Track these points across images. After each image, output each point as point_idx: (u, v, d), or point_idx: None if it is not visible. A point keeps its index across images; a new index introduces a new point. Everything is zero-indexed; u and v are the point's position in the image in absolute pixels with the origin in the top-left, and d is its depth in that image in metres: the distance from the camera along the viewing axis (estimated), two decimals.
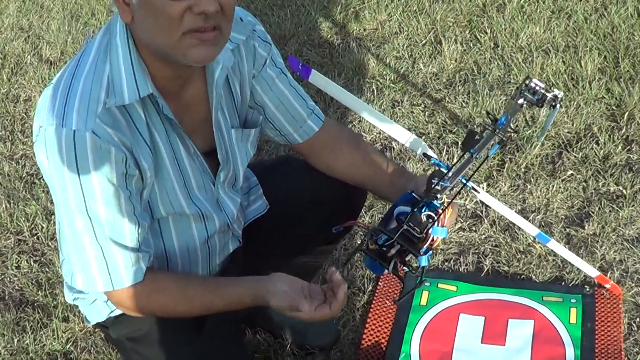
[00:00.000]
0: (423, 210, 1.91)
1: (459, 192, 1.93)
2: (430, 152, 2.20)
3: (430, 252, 1.94)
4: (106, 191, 1.83)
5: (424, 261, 1.92)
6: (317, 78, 2.18)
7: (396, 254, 1.91)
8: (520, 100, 1.80)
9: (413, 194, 1.96)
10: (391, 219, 1.97)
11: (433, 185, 1.91)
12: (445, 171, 1.93)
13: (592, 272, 2.69)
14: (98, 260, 1.91)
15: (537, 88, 1.78)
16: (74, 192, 1.83)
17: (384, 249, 1.91)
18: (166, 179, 1.98)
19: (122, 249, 1.91)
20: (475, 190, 2.25)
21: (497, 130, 1.82)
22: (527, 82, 1.79)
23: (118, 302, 2.02)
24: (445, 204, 1.92)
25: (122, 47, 1.82)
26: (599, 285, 2.73)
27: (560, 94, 1.79)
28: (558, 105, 1.79)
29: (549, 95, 1.78)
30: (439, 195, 1.91)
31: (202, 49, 1.78)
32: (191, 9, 1.73)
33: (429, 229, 1.89)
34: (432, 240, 1.91)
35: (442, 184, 1.91)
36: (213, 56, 1.83)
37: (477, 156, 1.87)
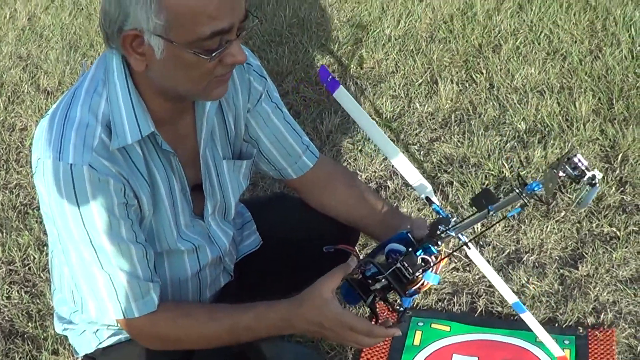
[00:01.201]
0: (419, 252, 1.90)
1: (460, 248, 1.93)
2: (434, 198, 2.20)
3: (416, 295, 1.93)
4: (108, 222, 1.84)
5: (408, 302, 1.93)
6: (341, 95, 2.19)
7: (381, 291, 1.90)
8: (561, 173, 1.81)
9: (408, 234, 1.95)
10: (380, 253, 1.95)
11: (439, 232, 1.90)
12: (449, 219, 1.92)
13: (558, 352, 2.63)
14: (107, 287, 1.91)
15: (579, 164, 1.79)
16: (76, 225, 1.84)
17: (369, 281, 1.90)
18: (163, 215, 1.99)
19: (132, 277, 1.91)
20: (467, 246, 2.24)
21: (524, 195, 1.82)
22: (570, 155, 1.80)
23: (139, 333, 2.01)
24: (444, 253, 1.91)
25: (120, 85, 1.83)
26: (592, 327, 2.73)
27: (599, 175, 1.80)
28: (597, 185, 1.82)
29: (588, 174, 1.80)
30: (440, 242, 1.90)
31: (223, 87, 1.86)
32: (222, 61, 1.78)
33: (422, 272, 1.88)
34: (422, 284, 1.90)
35: (448, 232, 1.90)
36: (226, 91, 1.90)
37: (494, 214, 1.86)
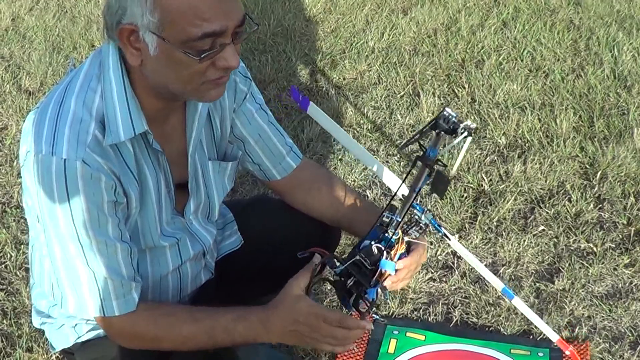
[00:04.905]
0: (381, 244, 1.96)
1: (400, 223, 1.97)
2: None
3: (379, 285, 1.97)
4: (96, 219, 1.85)
5: (373, 294, 1.96)
6: (314, 111, 2.22)
7: (354, 286, 1.94)
8: (436, 130, 1.86)
9: None
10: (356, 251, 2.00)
11: (384, 219, 1.97)
12: (397, 207, 1.99)
13: (553, 336, 2.65)
14: (90, 283, 1.91)
15: (450, 117, 1.84)
16: (64, 220, 1.84)
17: (343, 279, 1.95)
18: (150, 212, 2.00)
19: (116, 276, 1.91)
20: (447, 237, 2.26)
21: (428, 163, 1.92)
22: (441, 111, 1.86)
23: (118, 332, 2.01)
24: (400, 240, 1.97)
25: (116, 82, 1.83)
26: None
27: (473, 125, 1.84)
28: (472, 135, 1.85)
29: (462, 125, 1.84)
30: (390, 230, 1.96)
31: (217, 90, 1.86)
32: (214, 64, 1.78)
33: (378, 260, 1.94)
34: (381, 273, 1.94)
35: (393, 217, 1.96)
36: (223, 93, 1.90)
37: (417, 189, 1.95)
